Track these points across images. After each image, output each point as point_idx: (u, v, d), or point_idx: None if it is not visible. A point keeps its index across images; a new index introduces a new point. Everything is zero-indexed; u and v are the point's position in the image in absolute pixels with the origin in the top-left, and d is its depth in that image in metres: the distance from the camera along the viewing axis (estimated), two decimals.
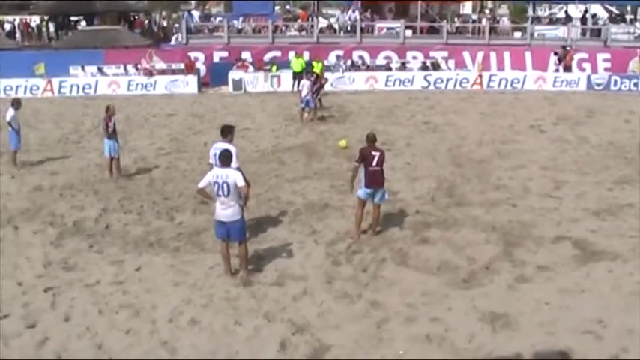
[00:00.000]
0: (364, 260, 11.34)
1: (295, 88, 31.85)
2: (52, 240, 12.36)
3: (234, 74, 34.09)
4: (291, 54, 34.00)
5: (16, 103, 18.08)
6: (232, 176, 9.99)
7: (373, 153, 11.97)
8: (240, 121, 24.31)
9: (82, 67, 34.15)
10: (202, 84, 34.74)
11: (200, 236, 12.46)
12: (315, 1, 47.39)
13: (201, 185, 10.32)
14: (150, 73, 34.01)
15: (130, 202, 14.81)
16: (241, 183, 9.97)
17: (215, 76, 35.12)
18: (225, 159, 10.20)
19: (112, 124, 16.50)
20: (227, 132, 11.61)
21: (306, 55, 34.52)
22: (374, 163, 11.95)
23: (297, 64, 32.85)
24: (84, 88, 33.41)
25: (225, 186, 9.92)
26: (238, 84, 33.77)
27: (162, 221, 13.53)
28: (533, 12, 44.92)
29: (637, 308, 9.43)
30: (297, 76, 32.40)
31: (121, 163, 17.03)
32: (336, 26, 39.25)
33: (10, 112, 17.72)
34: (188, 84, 33.85)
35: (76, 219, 13.58)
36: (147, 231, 12.88)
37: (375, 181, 12.04)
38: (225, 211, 10.12)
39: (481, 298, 9.81)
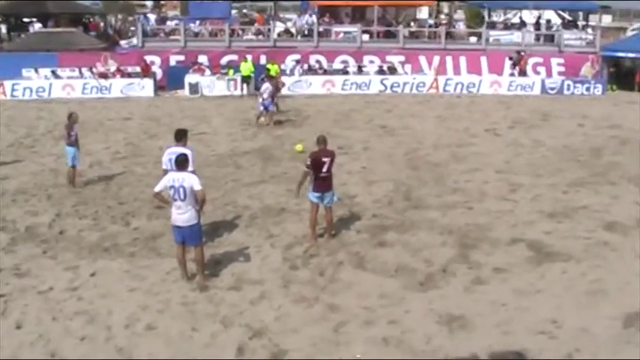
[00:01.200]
0: (321, 264, 11.34)
1: (245, 92, 32.27)
2: (4, 246, 12.10)
3: (190, 78, 33.79)
4: (249, 57, 33.74)
5: None
6: (189, 180, 9.91)
7: (324, 159, 11.94)
8: (197, 124, 24.18)
9: (36, 70, 33.42)
10: (158, 87, 34.24)
11: (156, 241, 12.33)
12: (273, 3, 47.29)
13: (157, 189, 10.22)
14: (105, 76, 33.54)
15: (85, 207, 14.59)
16: (198, 187, 9.90)
17: (171, 79, 34.72)
18: (181, 163, 10.12)
19: (73, 133, 15.93)
20: (181, 136, 11.59)
21: (263, 59, 34.43)
22: (324, 169, 11.95)
23: (245, 69, 32.76)
24: (37, 91, 32.69)
25: (181, 190, 9.84)
26: (195, 88, 33.47)
27: (117, 226, 13.36)
28: (489, 17, 45.42)
29: (590, 308, 9.62)
30: (246, 80, 32.48)
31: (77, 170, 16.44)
32: (293, 30, 39.16)
33: None
34: (144, 87, 33.39)
35: (29, 224, 13.33)
36: (102, 236, 12.70)
37: (323, 185, 12.08)
38: (182, 215, 10.03)
39: (438, 301, 9.88)
